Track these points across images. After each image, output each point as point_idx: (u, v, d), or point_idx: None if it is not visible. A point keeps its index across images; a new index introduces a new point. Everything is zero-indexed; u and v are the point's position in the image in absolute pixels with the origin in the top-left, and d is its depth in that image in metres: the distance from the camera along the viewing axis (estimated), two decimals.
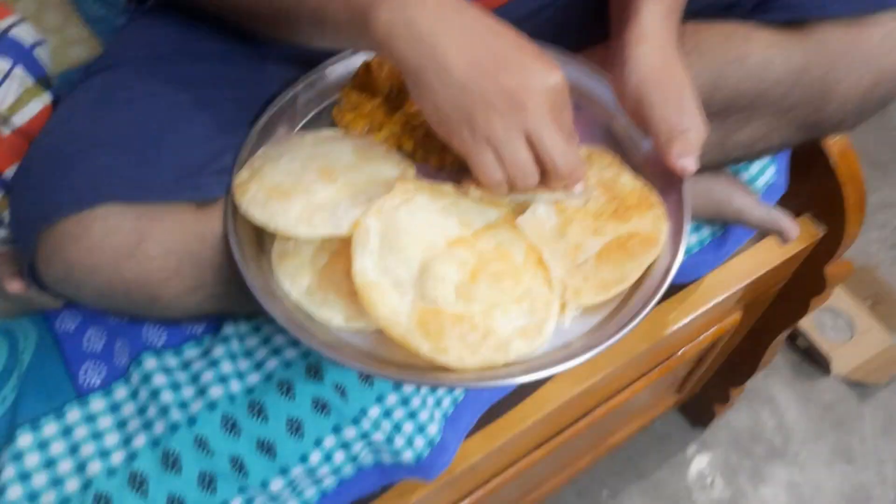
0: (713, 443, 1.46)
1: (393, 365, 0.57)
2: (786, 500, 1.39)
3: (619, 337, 0.55)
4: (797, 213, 1.00)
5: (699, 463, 1.43)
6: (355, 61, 0.70)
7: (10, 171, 0.64)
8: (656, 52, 0.61)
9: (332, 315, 0.59)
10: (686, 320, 0.91)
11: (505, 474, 0.93)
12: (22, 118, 0.65)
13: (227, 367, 0.68)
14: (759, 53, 0.67)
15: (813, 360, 1.55)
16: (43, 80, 0.67)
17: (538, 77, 0.53)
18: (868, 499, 1.39)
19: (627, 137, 0.68)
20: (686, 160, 0.58)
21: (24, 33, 0.67)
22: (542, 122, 0.54)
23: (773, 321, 1.16)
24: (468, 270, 0.58)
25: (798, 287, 1.08)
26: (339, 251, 0.60)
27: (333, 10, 0.56)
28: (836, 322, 1.59)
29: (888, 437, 1.46)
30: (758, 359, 1.22)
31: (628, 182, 0.64)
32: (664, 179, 0.63)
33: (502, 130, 0.53)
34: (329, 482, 0.69)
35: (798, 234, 0.83)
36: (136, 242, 0.57)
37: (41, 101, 0.66)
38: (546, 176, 0.57)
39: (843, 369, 1.52)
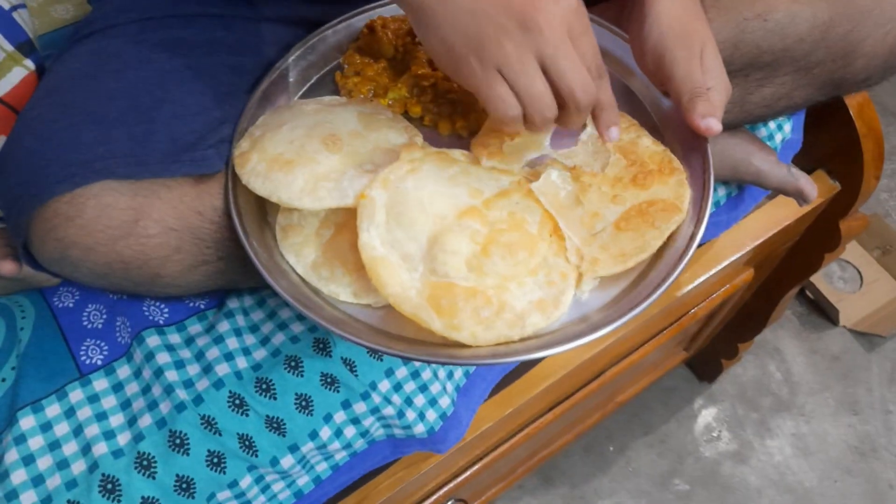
0: (720, 396, 1.45)
1: (404, 341, 0.55)
2: (792, 451, 1.39)
3: (640, 310, 0.53)
4: (812, 167, 0.97)
5: (706, 416, 1.43)
6: (357, 23, 0.66)
7: None
8: (678, 6, 0.58)
9: (340, 290, 0.57)
10: (699, 281, 0.89)
11: (515, 438, 0.92)
12: (2, 88, 0.61)
13: (232, 343, 0.66)
14: (783, 9, 0.64)
15: (820, 311, 1.54)
16: (24, 46, 0.64)
17: None
18: (874, 449, 1.39)
19: (646, 96, 0.65)
20: (710, 120, 0.56)
21: None
22: (559, 47, 0.48)
23: (784, 277, 1.14)
24: (480, 242, 0.56)
25: (811, 242, 1.06)
26: (345, 223, 0.58)
27: None
28: (845, 272, 1.57)
29: (895, 388, 1.46)
30: (768, 314, 1.21)
31: (648, 146, 0.61)
32: (686, 140, 0.61)
33: (515, 57, 0.49)
34: (340, 457, 0.68)
35: (816, 195, 0.80)
36: (133, 220, 0.55)
37: (23, 69, 0.63)
38: (564, 109, 0.52)
39: (850, 320, 1.51)
